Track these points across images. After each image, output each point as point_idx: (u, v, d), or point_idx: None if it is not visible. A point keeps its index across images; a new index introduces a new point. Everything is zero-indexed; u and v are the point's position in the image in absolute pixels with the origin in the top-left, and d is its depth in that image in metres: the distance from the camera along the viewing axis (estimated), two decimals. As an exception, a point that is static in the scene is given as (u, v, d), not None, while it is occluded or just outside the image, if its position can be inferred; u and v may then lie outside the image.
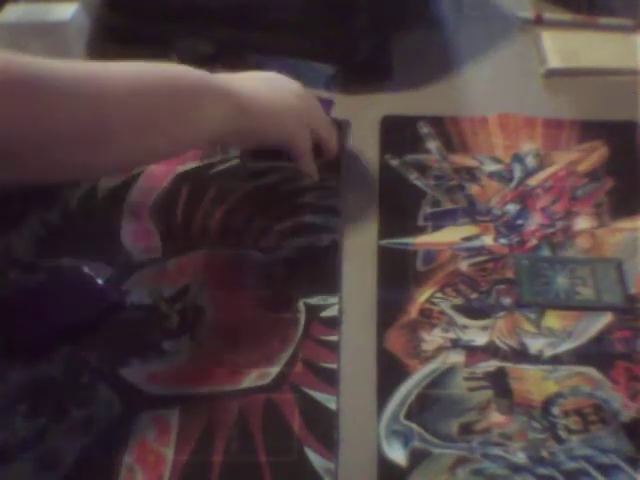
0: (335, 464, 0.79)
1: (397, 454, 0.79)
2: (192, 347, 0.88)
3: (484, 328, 0.89)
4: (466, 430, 0.81)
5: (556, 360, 0.86)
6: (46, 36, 1.09)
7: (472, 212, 1.00)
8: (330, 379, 0.85)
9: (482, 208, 1.01)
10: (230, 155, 1.07)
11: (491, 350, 0.87)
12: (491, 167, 1.05)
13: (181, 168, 1.06)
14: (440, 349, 0.87)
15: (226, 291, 0.93)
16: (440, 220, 0.99)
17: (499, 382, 0.84)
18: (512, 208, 1.00)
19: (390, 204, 1.01)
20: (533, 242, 0.97)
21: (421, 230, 0.98)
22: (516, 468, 0.78)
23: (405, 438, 0.80)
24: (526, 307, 0.91)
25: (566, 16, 1.27)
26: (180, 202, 1.02)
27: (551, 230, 0.98)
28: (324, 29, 1.15)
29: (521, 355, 0.87)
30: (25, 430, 0.82)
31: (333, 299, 0.92)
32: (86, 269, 0.95)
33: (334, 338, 0.89)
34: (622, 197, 1.01)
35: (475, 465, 0.78)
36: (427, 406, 0.83)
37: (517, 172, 1.04)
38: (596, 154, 1.06)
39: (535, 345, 0.87)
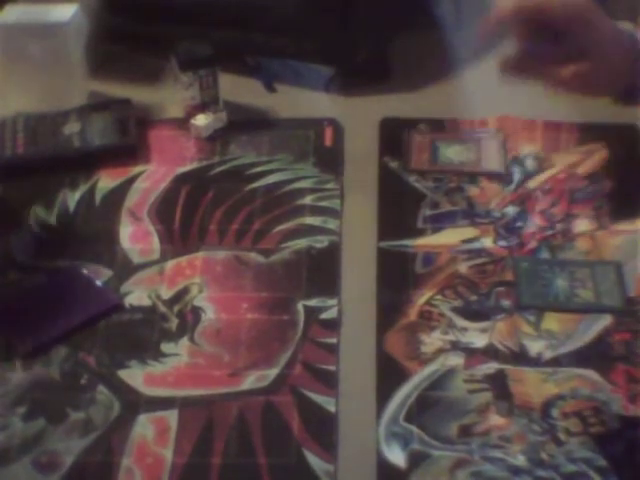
0: (334, 466, 0.79)
1: (396, 456, 0.79)
2: (191, 349, 0.88)
3: (483, 330, 0.89)
4: (466, 432, 0.81)
5: (555, 362, 0.86)
6: (45, 37, 1.09)
7: (471, 214, 1.00)
8: (329, 381, 0.85)
9: (481, 210, 1.01)
10: (229, 157, 1.07)
11: (490, 352, 0.87)
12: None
13: (181, 169, 1.06)
14: (439, 351, 0.87)
15: (225, 293, 0.93)
16: (439, 222, 0.99)
17: (499, 384, 0.84)
18: (511, 210, 1.00)
19: (389, 206, 1.01)
20: (532, 244, 0.97)
21: (420, 232, 0.98)
22: (516, 470, 0.78)
23: (405, 440, 0.80)
24: (525, 309, 0.90)
25: (566, 18, 1.27)
26: (179, 203, 1.02)
27: (550, 232, 0.98)
28: (324, 30, 1.15)
29: (520, 357, 0.87)
30: (24, 432, 0.82)
31: (332, 301, 0.92)
32: (85, 271, 0.95)
33: (333, 340, 0.88)
34: (622, 199, 1.01)
35: (475, 467, 0.78)
36: (427, 408, 0.83)
37: (516, 174, 1.04)
38: (596, 156, 1.06)
39: (534, 347, 0.87)
